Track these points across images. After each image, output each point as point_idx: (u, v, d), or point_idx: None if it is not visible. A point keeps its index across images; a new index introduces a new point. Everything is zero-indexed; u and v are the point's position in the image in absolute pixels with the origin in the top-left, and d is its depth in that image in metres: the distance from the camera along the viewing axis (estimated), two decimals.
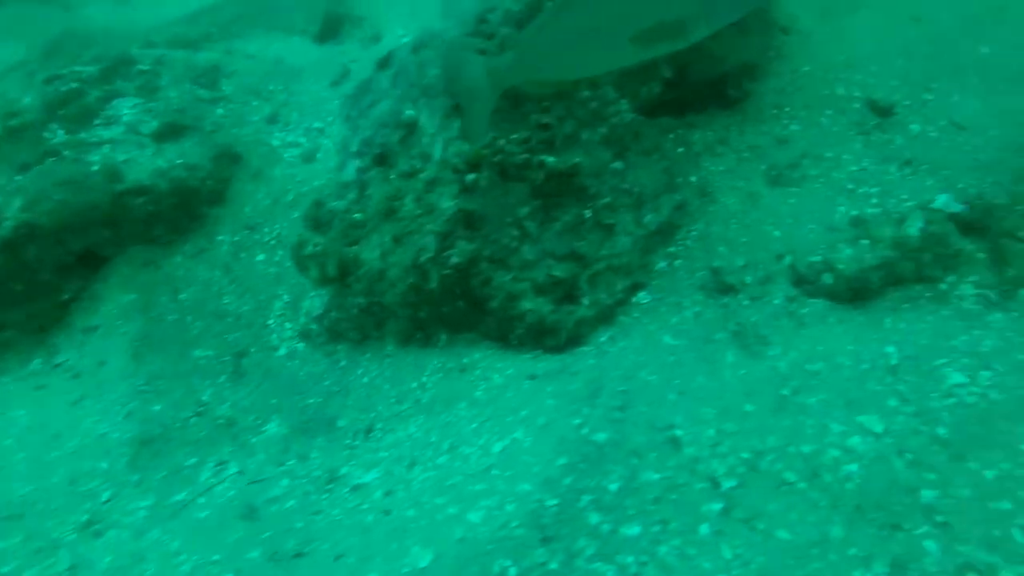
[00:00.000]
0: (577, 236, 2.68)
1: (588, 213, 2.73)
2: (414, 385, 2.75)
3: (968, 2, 3.65)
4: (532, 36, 2.13)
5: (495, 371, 2.54)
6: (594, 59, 2.35)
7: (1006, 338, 2.60)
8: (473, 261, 2.47)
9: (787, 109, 3.41)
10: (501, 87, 2.38)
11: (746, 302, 2.87)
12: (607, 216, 2.78)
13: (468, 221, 2.47)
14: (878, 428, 2.30)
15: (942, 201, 2.92)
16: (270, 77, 4.12)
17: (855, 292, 2.85)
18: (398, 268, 2.53)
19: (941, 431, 2.29)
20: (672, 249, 3.03)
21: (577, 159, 2.70)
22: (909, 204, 2.99)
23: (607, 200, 2.78)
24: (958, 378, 2.47)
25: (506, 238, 2.53)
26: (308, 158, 3.60)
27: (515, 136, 2.54)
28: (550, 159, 2.60)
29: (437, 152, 2.57)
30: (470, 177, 2.47)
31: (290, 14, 5.21)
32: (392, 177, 2.81)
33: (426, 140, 2.68)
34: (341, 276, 2.76)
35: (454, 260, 2.44)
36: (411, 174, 2.68)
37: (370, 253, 2.74)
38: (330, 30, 5.10)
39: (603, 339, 2.75)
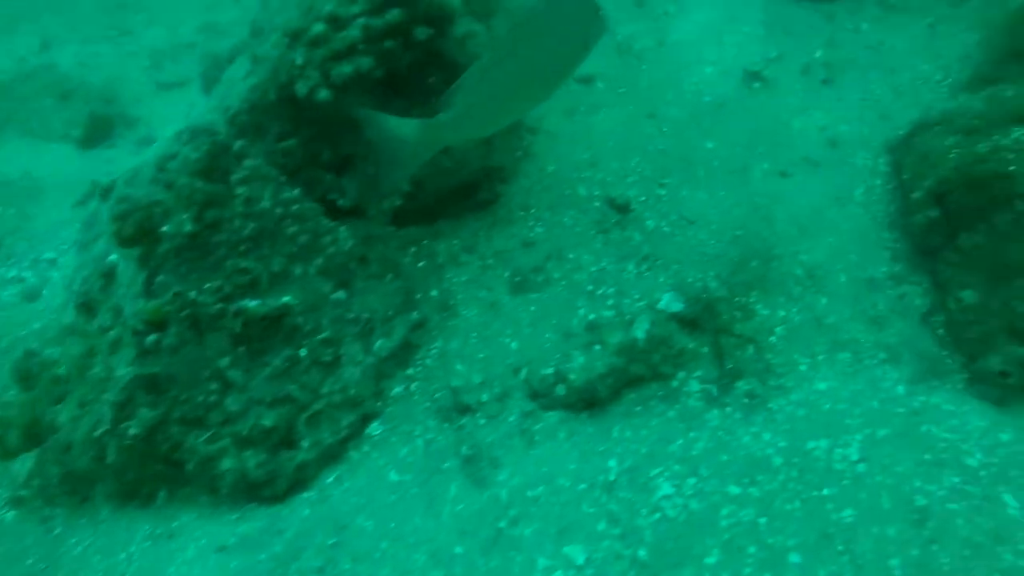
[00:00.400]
0: (291, 378, 2.65)
1: (304, 352, 2.71)
2: (122, 556, 2.59)
3: (695, 99, 4.00)
4: (463, 97, 2.27)
5: (194, 540, 2.44)
6: (518, 105, 2.56)
7: (716, 438, 2.79)
8: (159, 426, 2.39)
9: (533, 211, 3.57)
10: (438, 145, 2.51)
11: (483, 421, 2.93)
12: (327, 351, 2.77)
13: (151, 385, 2.38)
14: (580, 559, 2.38)
15: (665, 301, 3.13)
16: None
17: (587, 402, 2.98)
18: (80, 439, 2.40)
19: (642, 553, 2.40)
20: (410, 371, 3.06)
21: (286, 298, 2.69)
22: (641, 304, 3.17)
23: (326, 335, 2.78)
24: (667, 488, 2.61)
25: (203, 395, 2.46)
26: (32, 296, 3.39)
27: (208, 285, 2.50)
28: (252, 304, 2.57)
29: (126, 308, 2.49)
30: (151, 339, 2.39)
31: (50, 115, 4.97)
32: (92, 330, 2.68)
33: (121, 292, 2.59)
34: (31, 444, 2.58)
35: (132, 431, 2.34)
36: (104, 330, 2.58)
37: (66, 415, 2.59)
38: (97, 134, 4.90)
39: (330, 480, 2.71)
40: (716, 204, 3.58)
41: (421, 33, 2.70)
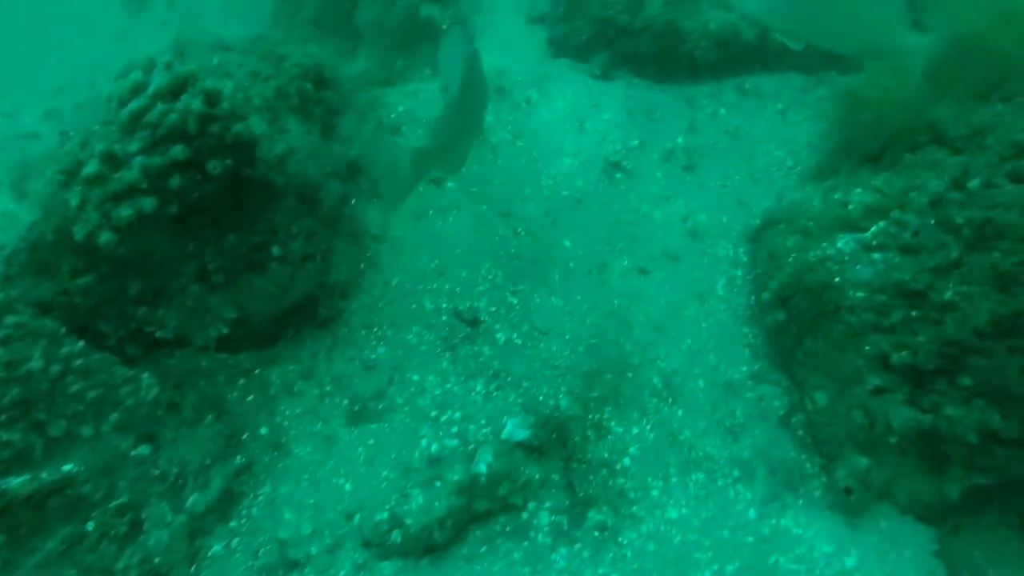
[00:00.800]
0: (71, 560, 2.41)
1: (91, 525, 2.48)
2: None
3: (553, 195, 4.01)
4: (437, 131, 2.83)
5: None
6: (469, 139, 3.09)
7: None
8: None
9: (376, 329, 3.46)
10: (425, 171, 2.97)
11: None
12: (123, 519, 2.55)
13: None
14: None
15: (509, 429, 3.04)
16: None
17: (426, 547, 2.84)
18: None
19: None
20: (233, 524, 2.86)
21: (68, 466, 2.46)
22: (486, 431, 3.08)
23: (123, 499, 2.57)
24: None
25: None
26: None
27: None
28: (16, 481, 2.34)
29: None
30: None
31: None
32: None
33: None
34: None
35: None
36: None
37: None
38: None
39: None
40: (571, 310, 3.56)
41: (215, 167, 2.59)
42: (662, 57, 5.02)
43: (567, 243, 3.85)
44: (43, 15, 7.03)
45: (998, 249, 2.37)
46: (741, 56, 5.04)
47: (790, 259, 3.18)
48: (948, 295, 2.49)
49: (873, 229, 2.91)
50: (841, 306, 2.83)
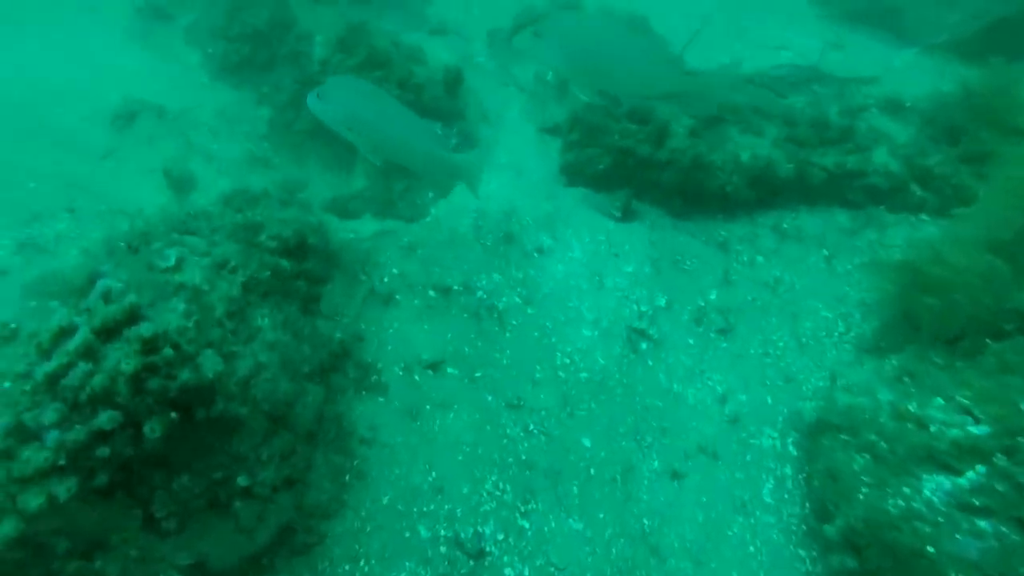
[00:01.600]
0: None
1: None
2: None
3: (570, 377, 3.55)
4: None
5: None
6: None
7: None
8: None
9: (363, 562, 2.97)
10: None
11: None
12: None
13: None
14: None
15: None
16: None
17: None
18: None
19: None
20: None
21: None
22: None
23: None
24: None
25: None
26: None
27: None
28: None
29: None
30: None
31: None
32: None
33: None
34: None
35: None
36: None
37: None
38: None
39: None
40: (592, 535, 3.06)
41: (154, 430, 2.15)
42: (690, 193, 4.63)
43: (587, 442, 3.36)
44: (20, 129, 6.81)
45: None
46: (778, 189, 4.65)
47: (860, 495, 2.67)
48: None
49: (971, 475, 2.41)
50: None
